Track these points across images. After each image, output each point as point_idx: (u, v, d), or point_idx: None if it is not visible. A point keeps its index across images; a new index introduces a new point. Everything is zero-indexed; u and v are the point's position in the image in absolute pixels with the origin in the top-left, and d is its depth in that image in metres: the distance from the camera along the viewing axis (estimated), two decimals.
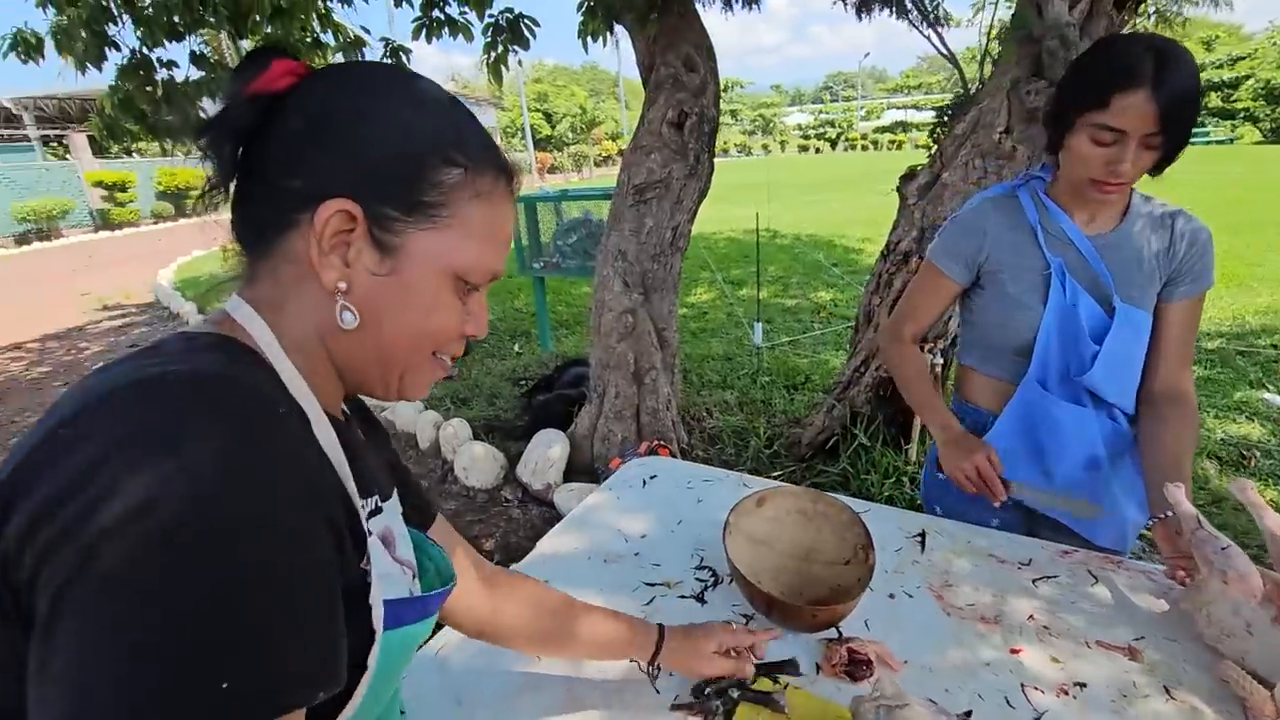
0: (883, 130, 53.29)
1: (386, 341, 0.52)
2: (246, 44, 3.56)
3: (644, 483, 1.48)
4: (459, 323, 0.55)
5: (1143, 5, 2.47)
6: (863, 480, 2.66)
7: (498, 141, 0.56)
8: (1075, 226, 1.19)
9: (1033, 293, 1.20)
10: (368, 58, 3.99)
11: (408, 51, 3.74)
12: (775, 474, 2.86)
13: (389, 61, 3.86)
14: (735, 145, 55.86)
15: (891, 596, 1.10)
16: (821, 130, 56.53)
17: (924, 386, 1.35)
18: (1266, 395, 3.71)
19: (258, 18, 3.27)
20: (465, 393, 4.16)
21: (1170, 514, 1.08)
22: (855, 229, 10.05)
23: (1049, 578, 1.12)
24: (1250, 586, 0.90)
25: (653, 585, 1.13)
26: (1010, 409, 1.26)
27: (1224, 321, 5.15)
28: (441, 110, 0.52)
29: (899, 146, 46.70)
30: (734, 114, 57.09)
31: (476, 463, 3.08)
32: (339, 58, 3.81)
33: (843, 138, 54.15)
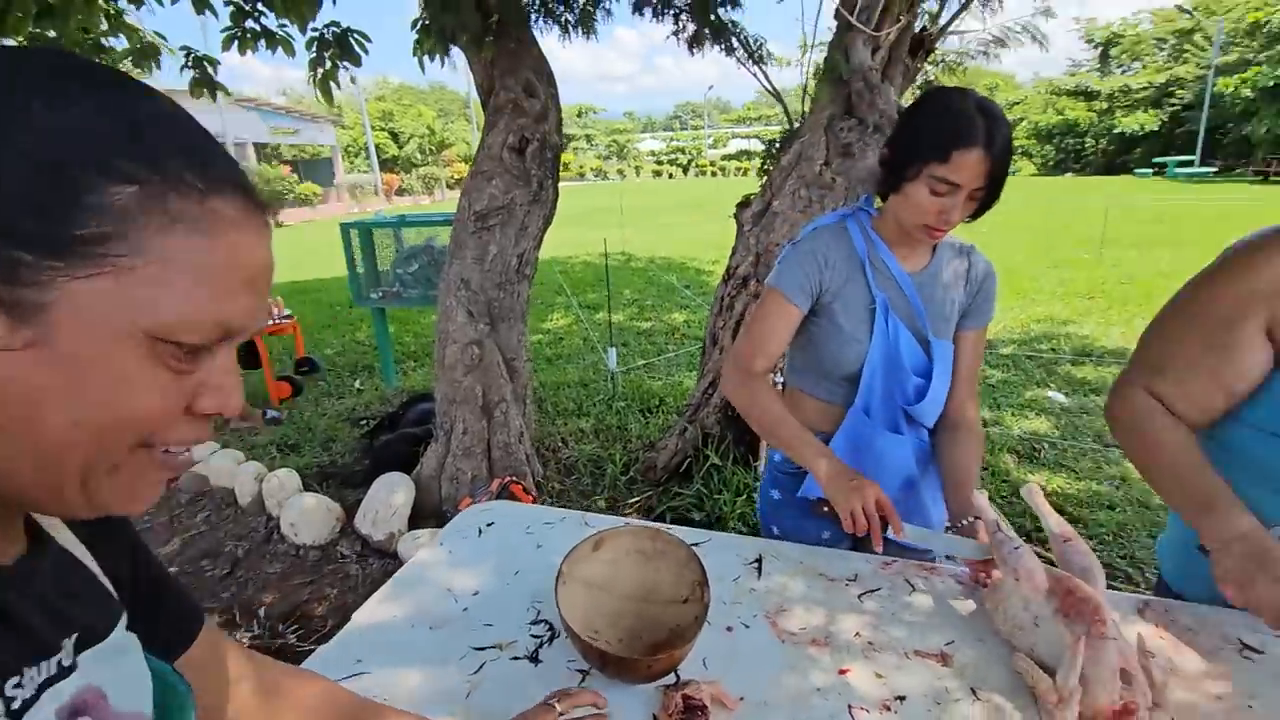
0: (729, 158, 56.75)
1: (45, 442, 0.37)
2: (10, 42, 3.05)
3: (480, 531, 1.38)
4: (174, 401, 0.40)
5: (931, 55, 2.79)
6: (715, 500, 2.72)
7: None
8: (898, 263, 1.27)
9: (861, 326, 1.27)
10: (163, 66, 3.56)
11: (215, 63, 3.38)
12: (633, 500, 2.85)
13: (137, 66, 3.46)
14: (591, 169, 56.84)
15: (729, 629, 1.09)
16: (674, 156, 59.12)
17: (791, 422, 1.25)
18: (1050, 394, 4.30)
19: (20, 14, 2.81)
20: (295, 438, 3.78)
21: (970, 521, 1.17)
22: (706, 251, 10.53)
23: (873, 591, 1.17)
24: (1036, 582, 0.99)
25: (482, 649, 1.04)
26: (839, 437, 1.33)
27: (1015, 330, 5.93)
28: (106, 103, 0.37)
29: (745, 173, 49.94)
30: (589, 139, 58.14)
31: (307, 516, 2.78)
32: (127, 64, 3.36)
33: (693, 164, 56.97)
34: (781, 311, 1.28)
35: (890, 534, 1.14)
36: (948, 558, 1.32)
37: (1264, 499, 1.00)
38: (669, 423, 3.38)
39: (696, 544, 1.32)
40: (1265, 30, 27.49)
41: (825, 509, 1.22)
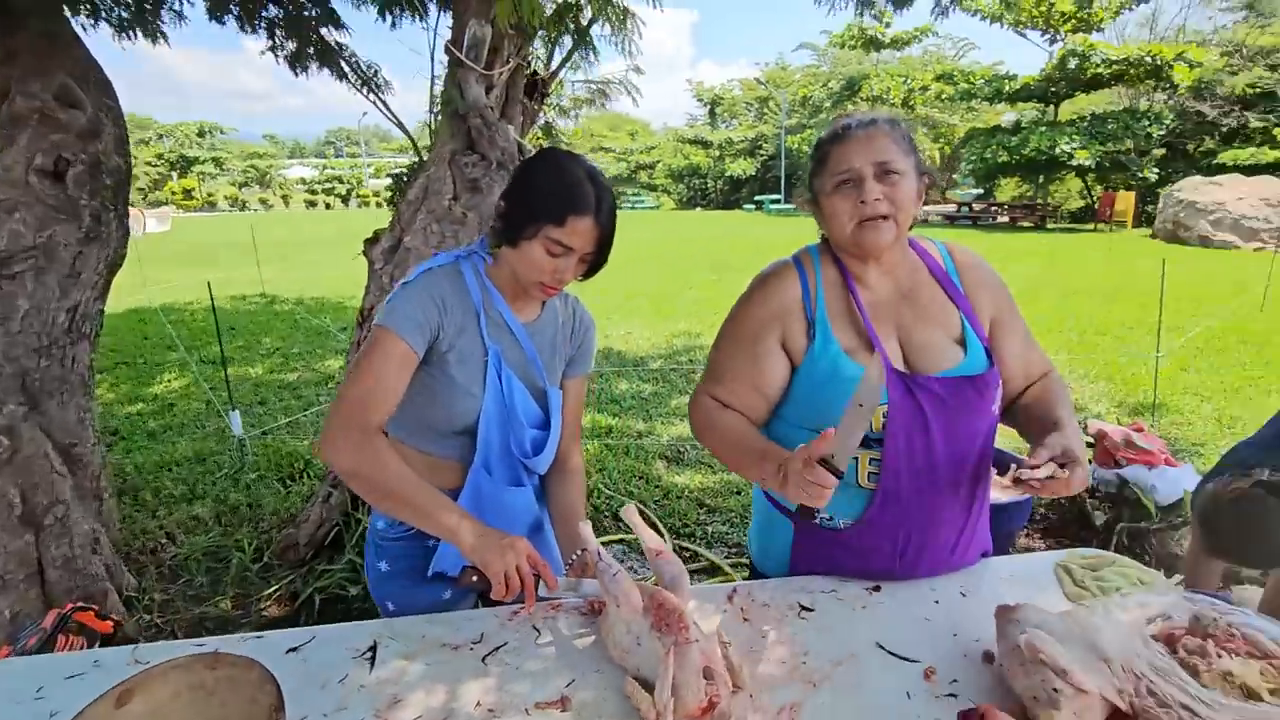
0: (391, 198, 54.00)
1: None
2: None
3: None
4: None
5: (546, 98, 2.95)
6: None
7: None
8: (513, 314, 1.24)
9: (475, 379, 1.20)
10: None
11: None
12: (270, 590, 2.40)
13: None
14: (226, 198, 49.02)
15: None
16: (329, 185, 54.27)
17: (424, 486, 1.12)
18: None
19: None
20: None
21: (579, 554, 1.19)
22: None
23: (497, 649, 1.10)
24: (633, 604, 1.02)
25: None
26: (463, 498, 1.24)
27: (661, 346, 6.70)
28: None
29: None
30: (218, 162, 49.93)
31: None
32: None
33: (354, 194, 53.07)
34: (397, 354, 1.14)
35: (543, 590, 1.10)
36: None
37: None
38: (315, 488, 2.96)
39: (296, 648, 1.11)
40: (811, 103, 36.50)
41: (474, 578, 1.11)
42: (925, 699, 0.99)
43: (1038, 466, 1.03)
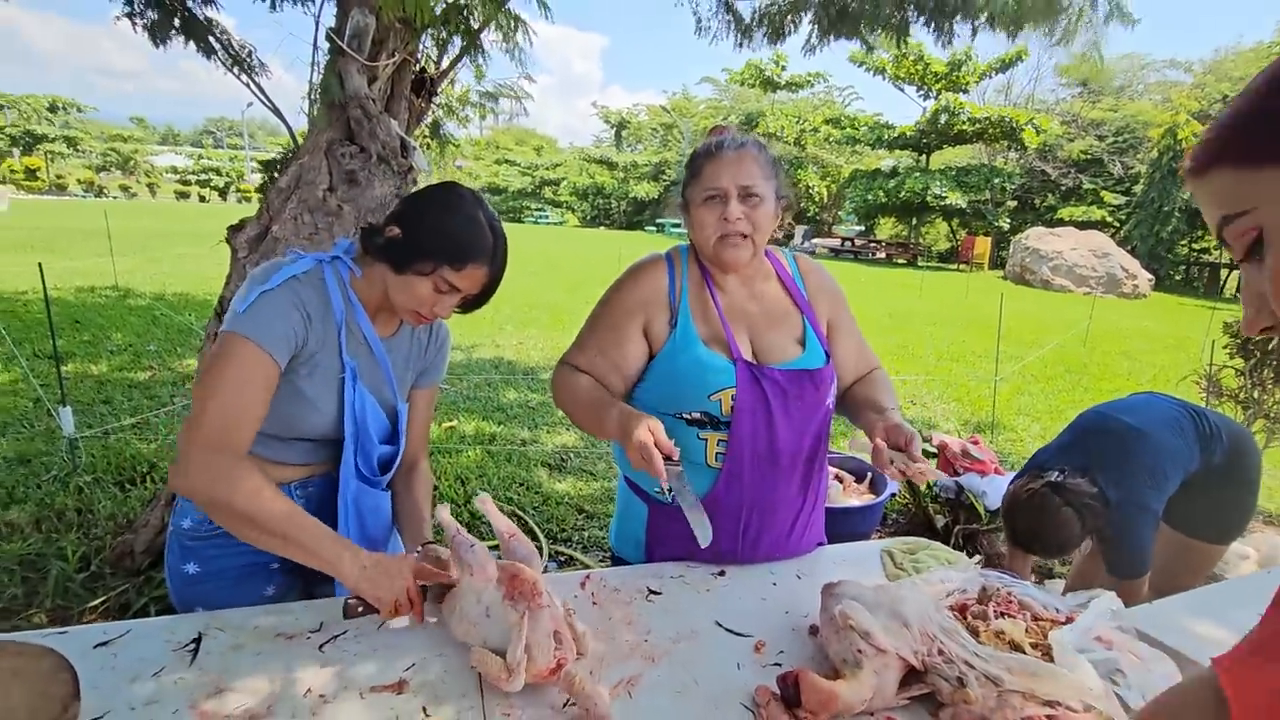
0: (262, 186, 50.66)
1: None
2: None
3: None
4: None
5: (434, 96, 2.92)
6: None
7: None
8: (374, 330, 1.21)
9: (328, 394, 1.16)
10: None
11: None
12: (96, 602, 2.17)
13: None
14: (80, 181, 44.05)
15: None
16: (206, 177, 50.07)
17: (305, 518, 1.05)
18: None
19: None
20: None
21: (424, 545, 1.19)
22: None
23: (336, 637, 1.08)
24: (488, 572, 1.04)
25: None
26: (342, 510, 1.23)
27: (553, 356, 6.68)
28: None
29: None
30: (71, 142, 44.75)
31: None
32: None
33: (234, 188, 49.26)
34: (261, 369, 1.06)
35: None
36: None
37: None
38: (159, 493, 2.71)
39: (105, 642, 1.03)
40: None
41: (360, 610, 1.07)
42: (753, 668, 1.07)
43: (915, 459, 1.13)
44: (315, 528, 1.05)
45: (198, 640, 1.04)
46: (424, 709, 0.94)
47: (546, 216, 42.38)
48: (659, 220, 38.52)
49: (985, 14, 2.37)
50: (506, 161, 48.41)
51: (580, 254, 19.24)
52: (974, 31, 2.51)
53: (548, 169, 46.87)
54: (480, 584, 1.04)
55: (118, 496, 2.81)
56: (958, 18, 2.40)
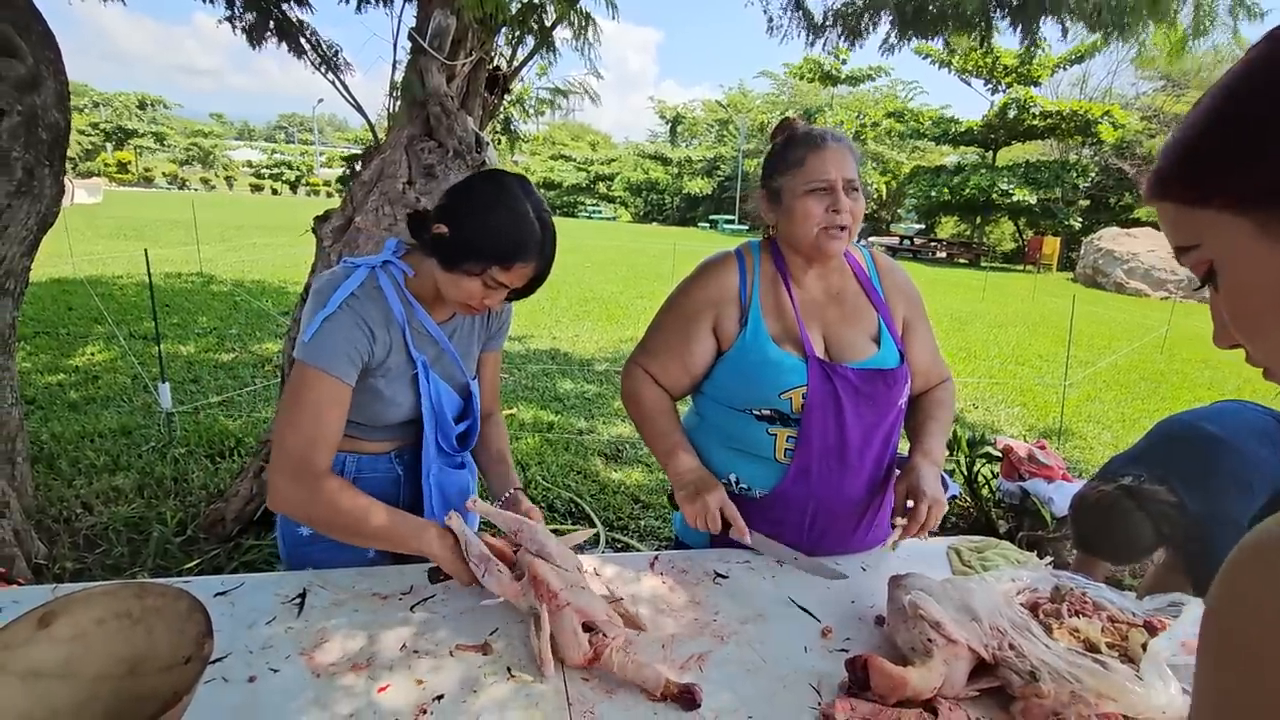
0: (344, 178, 52.63)
1: None
2: None
3: None
4: None
5: (507, 93, 3.01)
6: None
7: None
8: (434, 322, 1.26)
9: (404, 389, 1.24)
10: None
11: None
12: (191, 565, 2.35)
13: None
14: (165, 175, 46.74)
15: (251, 680, 0.95)
16: (278, 171, 52.40)
17: (382, 514, 1.12)
18: None
19: None
20: None
21: (512, 492, 1.31)
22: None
23: (425, 600, 1.15)
24: (510, 593, 1.07)
25: None
26: (427, 493, 1.32)
27: (607, 350, 6.78)
28: None
29: None
30: (159, 138, 47.55)
31: None
32: None
33: (303, 181, 51.39)
34: (332, 394, 1.13)
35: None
36: None
37: (714, 450, 1.37)
38: (245, 465, 2.90)
39: (224, 592, 1.13)
40: (767, 129, 37.55)
41: (442, 576, 1.14)
42: (820, 653, 1.09)
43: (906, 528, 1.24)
44: (400, 524, 1.12)
45: (303, 595, 1.14)
46: (509, 669, 1.00)
47: (600, 212, 42.64)
48: (712, 217, 38.28)
49: (1076, 14, 2.26)
50: (563, 156, 48.96)
51: (635, 248, 19.33)
52: (1064, 32, 2.41)
53: (602, 164, 47.15)
54: (514, 599, 1.07)
55: (209, 468, 3.02)
56: (1046, 18, 2.30)
